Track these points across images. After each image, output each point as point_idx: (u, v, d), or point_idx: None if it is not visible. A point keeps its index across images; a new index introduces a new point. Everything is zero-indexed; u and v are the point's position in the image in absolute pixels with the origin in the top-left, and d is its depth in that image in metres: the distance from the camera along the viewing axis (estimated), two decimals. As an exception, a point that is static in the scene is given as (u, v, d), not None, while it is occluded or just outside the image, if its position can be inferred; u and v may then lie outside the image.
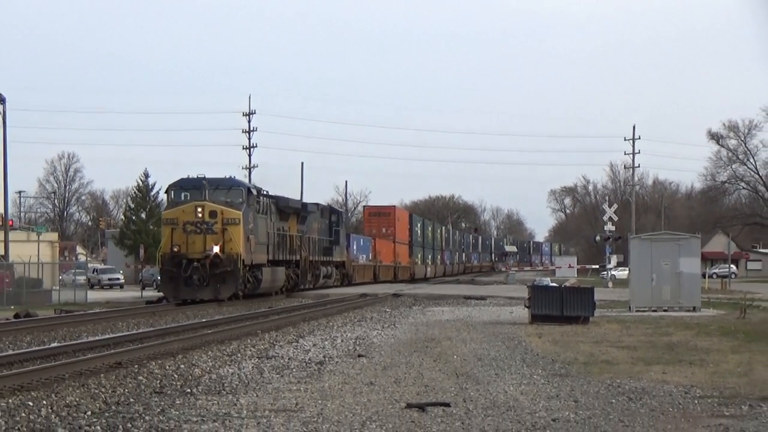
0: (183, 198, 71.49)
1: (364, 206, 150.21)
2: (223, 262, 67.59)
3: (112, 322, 49.73)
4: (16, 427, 18.17)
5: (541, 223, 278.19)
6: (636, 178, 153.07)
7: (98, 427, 18.26)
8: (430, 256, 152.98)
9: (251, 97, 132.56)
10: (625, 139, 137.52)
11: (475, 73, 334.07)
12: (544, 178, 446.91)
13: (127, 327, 44.69)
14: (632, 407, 20.99)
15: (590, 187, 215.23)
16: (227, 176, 76.14)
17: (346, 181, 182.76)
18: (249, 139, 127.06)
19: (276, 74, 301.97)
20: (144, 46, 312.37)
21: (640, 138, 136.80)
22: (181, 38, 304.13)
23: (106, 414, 19.85)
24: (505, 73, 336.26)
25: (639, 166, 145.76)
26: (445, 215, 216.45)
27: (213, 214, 68.98)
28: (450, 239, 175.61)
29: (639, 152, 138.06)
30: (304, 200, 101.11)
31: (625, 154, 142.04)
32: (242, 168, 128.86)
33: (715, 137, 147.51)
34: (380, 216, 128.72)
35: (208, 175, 73.89)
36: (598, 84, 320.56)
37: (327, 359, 30.40)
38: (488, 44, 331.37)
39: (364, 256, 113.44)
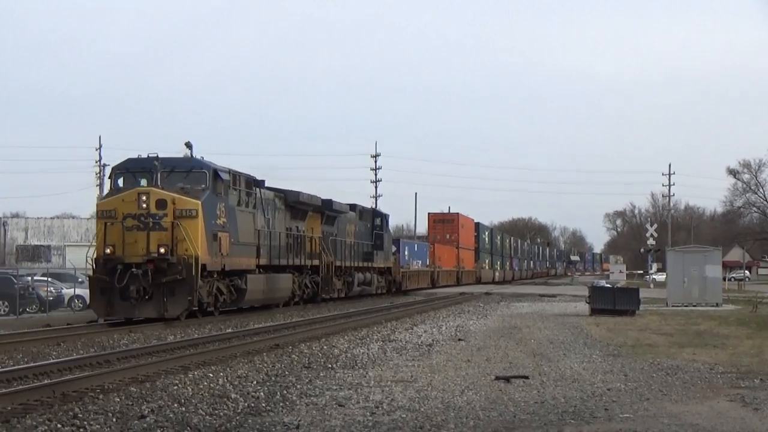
0: (129, 185, 40.78)
1: (428, 213, 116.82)
2: (172, 267, 38.27)
3: (270, 313, 47.44)
4: (200, 393, 18.28)
5: (598, 238, 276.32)
6: (671, 204, 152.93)
7: (261, 393, 18.34)
8: (498, 262, 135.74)
9: (377, 142, 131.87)
10: (662, 174, 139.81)
11: (555, 124, 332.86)
12: (601, 204, 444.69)
13: (284, 317, 44.57)
14: (669, 380, 20.77)
15: (636, 211, 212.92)
16: (187, 155, 43.13)
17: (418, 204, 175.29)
18: (375, 174, 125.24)
19: (396, 127, 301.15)
20: (306, 109, 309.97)
21: (674, 173, 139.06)
22: (332, 99, 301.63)
23: (268, 383, 19.95)
24: (573, 122, 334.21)
25: (674, 195, 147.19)
26: (524, 233, 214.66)
27: (161, 203, 38.94)
28: (519, 248, 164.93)
29: (674, 184, 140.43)
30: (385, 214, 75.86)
31: (663, 185, 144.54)
32: (370, 197, 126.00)
33: (732, 172, 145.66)
34: (444, 222, 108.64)
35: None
36: (643, 129, 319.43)
37: (435, 342, 30.33)
38: (559, 101, 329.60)
39: (419, 262, 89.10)
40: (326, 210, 58.66)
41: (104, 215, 39.26)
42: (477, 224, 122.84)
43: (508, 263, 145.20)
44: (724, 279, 69.46)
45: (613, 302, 45.32)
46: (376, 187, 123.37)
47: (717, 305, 53.75)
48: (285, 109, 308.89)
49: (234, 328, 36.43)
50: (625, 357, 25.81)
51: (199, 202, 38.72)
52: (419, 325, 38.55)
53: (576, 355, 26.42)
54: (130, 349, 27.02)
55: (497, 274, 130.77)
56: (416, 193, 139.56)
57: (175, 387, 19.17)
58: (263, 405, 16.97)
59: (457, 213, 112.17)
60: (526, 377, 20.82)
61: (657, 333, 34.30)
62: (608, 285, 59.50)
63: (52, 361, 23.45)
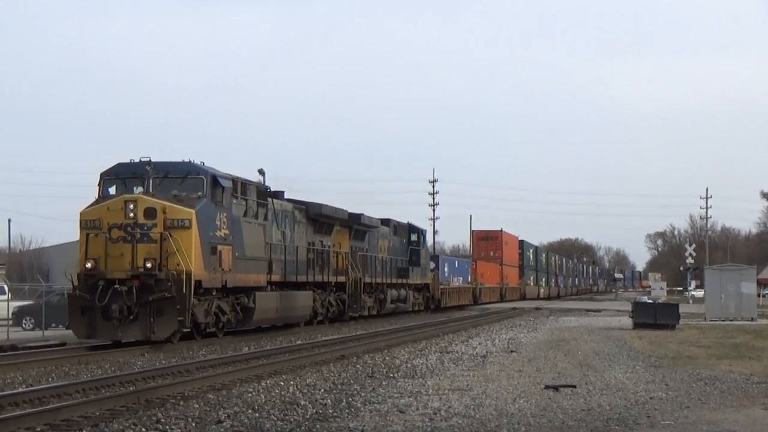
0: (120, 192, 34.12)
1: (472, 230, 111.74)
2: (160, 284, 31.84)
3: (337, 327, 46.88)
4: (272, 400, 18.33)
5: (640, 257, 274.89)
6: (708, 225, 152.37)
7: (328, 400, 18.34)
8: (543, 279, 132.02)
9: (434, 169, 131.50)
10: (700, 197, 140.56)
11: (600, 150, 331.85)
12: (643, 225, 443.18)
13: (349, 330, 44.58)
14: (707, 389, 20.56)
15: (675, 232, 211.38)
16: (186, 160, 35.11)
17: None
18: (433, 198, 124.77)
19: (453, 152, 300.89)
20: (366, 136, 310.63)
21: (711, 196, 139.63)
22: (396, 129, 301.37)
23: (334, 391, 19.94)
24: (617, 148, 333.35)
25: (711, 217, 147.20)
26: (571, 252, 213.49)
27: (150, 212, 32.54)
28: (564, 266, 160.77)
29: (711, 207, 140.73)
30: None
31: (700, 208, 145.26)
32: (428, 219, 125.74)
33: (766, 196, 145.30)
34: (488, 240, 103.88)
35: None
36: (682, 155, 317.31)
37: (488, 353, 30.22)
38: (605, 129, 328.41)
39: (460, 278, 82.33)
40: (354, 224, 50.98)
41: (87, 225, 32.03)
42: (521, 242, 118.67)
43: (553, 280, 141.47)
44: (759, 295, 68.48)
45: (655, 317, 45.00)
46: (434, 210, 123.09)
47: (752, 320, 53.23)
48: (348, 135, 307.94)
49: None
50: (666, 368, 25.57)
51: (194, 211, 31.59)
52: (474, 338, 38.39)
53: (620, 365, 26.22)
54: (208, 359, 27.11)
55: (542, 290, 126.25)
56: (471, 215, 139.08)
57: (250, 394, 19.25)
58: (330, 411, 16.96)
59: (501, 230, 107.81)
60: (574, 386, 20.68)
61: (696, 345, 33.98)
62: (650, 301, 59.11)
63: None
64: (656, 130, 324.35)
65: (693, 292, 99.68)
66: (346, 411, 17.03)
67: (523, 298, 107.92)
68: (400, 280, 59.48)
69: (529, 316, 63.22)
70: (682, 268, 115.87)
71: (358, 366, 25.77)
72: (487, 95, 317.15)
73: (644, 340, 36.63)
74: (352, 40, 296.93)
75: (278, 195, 41.90)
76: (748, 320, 52.80)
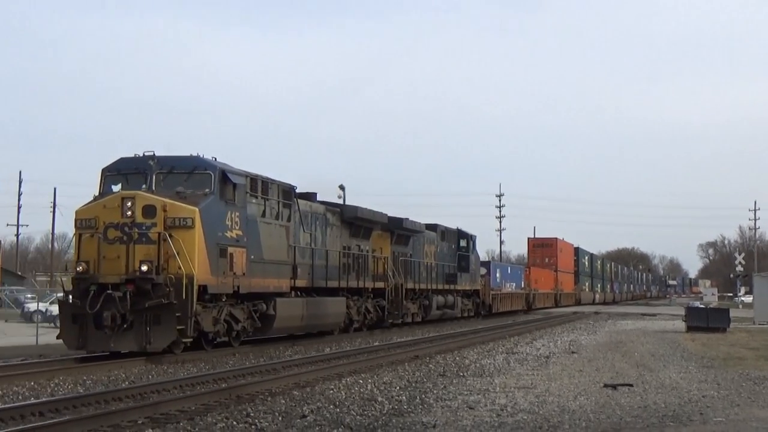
0: (121, 189, 28.78)
1: (528, 238, 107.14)
2: (157, 289, 26.63)
3: (409, 329, 45.63)
4: (352, 396, 18.37)
5: (693, 265, 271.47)
6: (757, 235, 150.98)
7: (403, 397, 18.39)
8: (599, 285, 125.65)
9: (501, 184, 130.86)
10: (749, 210, 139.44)
11: (658, 165, 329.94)
12: (695, 235, 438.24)
13: (422, 332, 44.46)
14: (756, 389, 20.36)
15: (725, 242, 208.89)
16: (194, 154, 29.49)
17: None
18: (500, 210, 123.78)
19: (518, 167, 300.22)
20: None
21: (759, 208, 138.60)
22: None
23: (409, 389, 19.98)
24: (673, 163, 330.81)
25: (759, 227, 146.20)
26: (628, 260, 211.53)
27: (149, 210, 27.42)
28: (619, 273, 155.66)
29: (759, 218, 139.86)
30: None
31: (749, 219, 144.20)
32: (495, 230, 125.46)
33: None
34: (543, 247, 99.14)
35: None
36: (732, 169, 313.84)
37: (551, 354, 30.08)
38: (659, 146, 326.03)
39: (513, 284, 75.12)
40: (396, 228, 44.56)
41: (83, 225, 26.85)
42: (576, 249, 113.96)
43: (608, 286, 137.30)
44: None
45: (707, 321, 44.62)
46: (500, 221, 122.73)
47: (800, 324, 52.41)
48: (422, 151, 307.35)
49: (232, 366, 24.77)
50: (718, 368, 25.34)
51: (197, 209, 26.09)
52: (537, 340, 38.21)
53: (674, 366, 26.01)
54: (293, 359, 27.12)
55: (597, 296, 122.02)
56: (534, 227, 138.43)
57: (331, 391, 19.32)
58: (405, 407, 17.01)
59: (556, 238, 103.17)
60: (631, 385, 20.56)
61: (745, 348, 33.57)
62: (702, 306, 58.50)
63: (228, 369, 23.81)
64: (708, 148, 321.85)
65: (742, 298, 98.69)
66: (420, 407, 17.08)
67: (578, 303, 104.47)
68: (447, 286, 53.15)
69: (588, 320, 62.74)
70: (732, 275, 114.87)
71: (430, 365, 25.76)
72: (551, 114, 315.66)
73: (697, 342, 36.29)
74: (416, 68, 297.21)
75: (310, 197, 36.74)
76: (796, 324, 52.02)
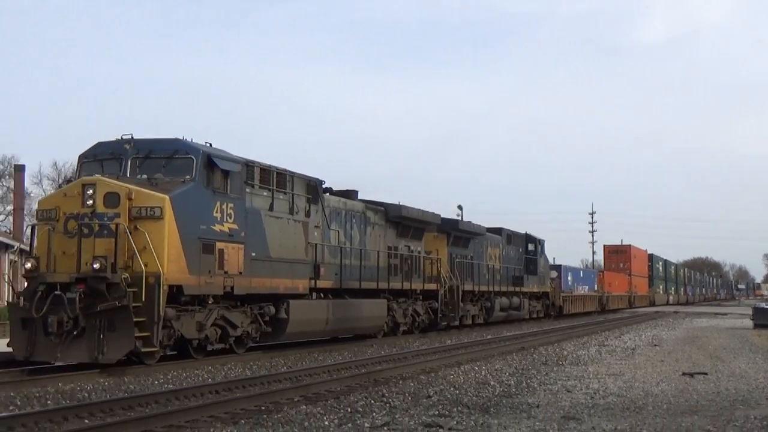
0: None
1: (603, 245, 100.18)
2: (114, 289, 18.41)
3: (516, 325, 45.67)
4: (469, 380, 18.56)
5: (759, 272, 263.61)
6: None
7: (512, 381, 18.46)
8: (672, 288, 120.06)
9: (593, 203, 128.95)
10: None
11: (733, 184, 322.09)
12: (762, 246, 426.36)
13: (528, 326, 44.28)
14: (816, 378, 19.96)
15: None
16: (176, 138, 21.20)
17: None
18: (592, 226, 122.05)
19: (609, 184, 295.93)
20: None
21: None
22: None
23: (516, 374, 20.02)
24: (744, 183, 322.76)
25: None
26: (702, 268, 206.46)
27: (112, 199, 19.13)
28: (692, 277, 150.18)
29: None
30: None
31: None
32: (589, 242, 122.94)
33: None
34: (617, 253, 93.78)
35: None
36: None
37: (636, 347, 29.77)
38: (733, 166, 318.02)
39: (586, 287, 68.93)
40: (453, 230, 38.36)
41: (43, 217, 19.91)
42: (650, 255, 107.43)
43: (682, 289, 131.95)
44: None
45: (772, 318, 43.72)
46: (593, 235, 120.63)
47: None
48: (526, 175, 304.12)
49: (370, 355, 24.08)
50: (782, 360, 24.89)
51: (167, 197, 19.21)
52: (625, 335, 37.79)
53: (743, 357, 25.53)
54: (420, 349, 27.08)
55: (671, 297, 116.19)
56: (621, 240, 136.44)
57: (451, 376, 19.44)
58: (513, 390, 17.07)
59: (629, 245, 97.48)
60: (706, 373, 20.29)
61: (806, 342, 32.86)
62: (766, 305, 57.13)
63: (367, 357, 24.06)
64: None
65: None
66: (526, 390, 17.15)
67: (652, 304, 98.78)
68: (514, 288, 46.72)
69: (668, 318, 61.60)
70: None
71: (534, 355, 25.71)
72: (647, 148, 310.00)
73: (763, 337, 35.49)
74: (523, 109, 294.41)
75: (349, 194, 29.76)
76: None
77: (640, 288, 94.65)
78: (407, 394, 16.06)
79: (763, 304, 71.19)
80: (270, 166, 23.51)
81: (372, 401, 15.10)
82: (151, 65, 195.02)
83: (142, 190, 19.29)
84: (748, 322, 46.49)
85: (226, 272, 21.01)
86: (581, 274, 68.95)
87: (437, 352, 25.86)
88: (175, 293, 19.44)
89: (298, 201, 24.68)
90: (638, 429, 12.52)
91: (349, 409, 14.10)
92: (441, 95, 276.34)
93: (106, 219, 18.96)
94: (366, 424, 12.68)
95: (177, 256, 19.40)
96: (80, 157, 21.73)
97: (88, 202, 19.11)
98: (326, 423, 12.76)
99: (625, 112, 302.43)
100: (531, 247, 51.36)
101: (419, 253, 34.03)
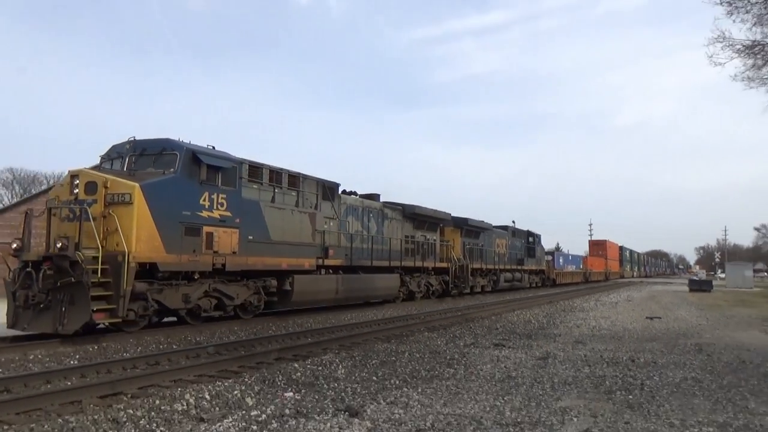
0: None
1: (588, 240, 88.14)
2: (75, 267, 10.82)
3: (532, 290, 42.81)
4: (519, 319, 17.99)
5: (692, 258, 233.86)
6: (727, 242, 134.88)
7: (544, 321, 17.87)
8: (636, 267, 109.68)
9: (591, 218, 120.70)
10: (721, 230, 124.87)
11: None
12: (694, 242, 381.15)
13: (540, 291, 42.51)
14: (728, 321, 18.64)
15: (709, 246, 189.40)
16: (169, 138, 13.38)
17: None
18: (590, 228, 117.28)
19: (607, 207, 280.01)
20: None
21: (728, 230, 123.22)
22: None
23: (546, 317, 19.29)
24: None
25: (727, 239, 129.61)
26: (657, 256, 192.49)
27: (91, 187, 11.80)
28: (649, 261, 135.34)
29: (727, 235, 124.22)
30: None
31: (722, 233, 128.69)
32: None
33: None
34: (597, 245, 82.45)
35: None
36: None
37: (617, 302, 28.33)
38: None
39: (573, 266, 60.05)
40: (464, 225, 31.41)
41: (50, 204, 13.34)
42: (621, 247, 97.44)
43: (643, 268, 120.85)
44: (754, 277, 60.78)
45: (700, 285, 41.00)
46: (591, 236, 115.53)
47: (750, 288, 47.30)
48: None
49: (465, 304, 22.65)
50: (707, 310, 23.27)
51: (137, 185, 12.79)
52: (611, 295, 35.90)
53: (683, 309, 24.05)
54: (492, 302, 26.03)
55: (635, 273, 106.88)
56: (605, 237, 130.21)
57: (509, 316, 18.98)
58: (545, 325, 16.58)
59: (606, 240, 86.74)
60: (660, 317, 19.31)
61: (722, 300, 30.64)
62: (697, 278, 53.76)
63: (462, 305, 23.43)
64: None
65: (719, 275, 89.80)
66: (552, 325, 16.66)
67: (622, 277, 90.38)
68: (517, 267, 39.91)
69: (637, 285, 58.62)
70: (713, 263, 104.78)
71: (557, 305, 24.87)
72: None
73: (694, 296, 33.43)
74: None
75: (372, 197, 23.47)
76: (748, 288, 47.00)
77: (613, 267, 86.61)
78: (484, 327, 15.79)
79: (694, 277, 67.52)
80: (264, 165, 16.36)
81: (464, 330, 14.89)
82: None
83: (117, 179, 13.13)
84: (685, 288, 43.87)
85: (216, 252, 14.34)
86: (570, 258, 61.14)
87: (501, 304, 24.85)
88: (149, 269, 13.12)
89: (308, 197, 18.16)
90: (620, 349, 11.97)
91: (451, 335, 13.92)
92: (499, 158, 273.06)
93: (85, 204, 12.92)
94: (461, 343, 12.54)
95: (149, 237, 12.98)
96: (102, 157, 15.23)
97: (74, 191, 13.40)
98: (439, 342, 12.66)
99: (612, 165, 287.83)
100: (531, 239, 45.32)
101: (434, 240, 27.46)
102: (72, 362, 9.63)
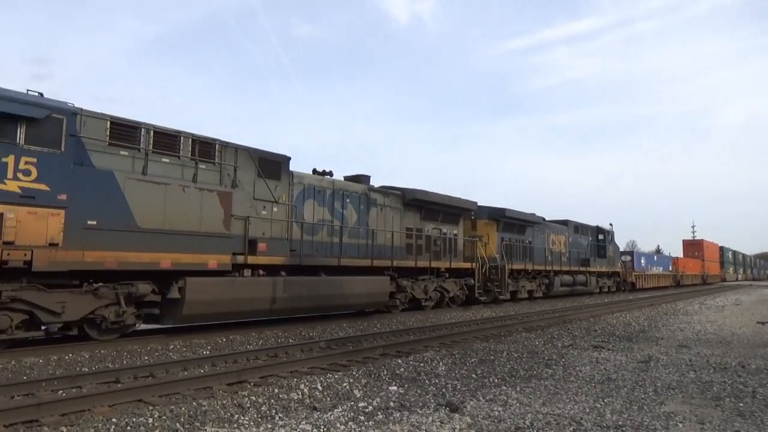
0: None
1: (682, 240, 77.80)
2: None
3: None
4: (618, 322, 17.44)
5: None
6: None
7: (645, 324, 17.18)
8: (741, 270, 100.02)
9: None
10: None
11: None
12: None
13: (635, 295, 40.66)
14: None
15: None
16: None
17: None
18: (692, 230, 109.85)
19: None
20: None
21: None
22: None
23: (648, 320, 18.56)
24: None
25: None
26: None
27: None
28: (757, 263, 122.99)
29: None
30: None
31: None
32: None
33: None
34: (692, 245, 74.81)
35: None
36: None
37: (724, 306, 26.70)
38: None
39: (660, 268, 52.04)
40: (501, 217, 24.30)
41: None
42: (721, 247, 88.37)
43: (748, 270, 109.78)
44: None
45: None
46: (693, 237, 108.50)
47: None
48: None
49: (562, 306, 21.96)
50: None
51: None
52: (717, 298, 33.90)
53: (799, 314, 22.47)
54: (588, 303, 25.24)
55: (739, 276, 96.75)
56: (699, 236, 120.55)
57: (608, 318, 18.43)
58: (646, 328, 15.97)
59: (702, 239, 78.73)
60: (773, 323, 18.13)
61: None
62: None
63: (559, 307, 23.01)
64: None
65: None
66: (654, 329, 16.01)
67: (723, 281, 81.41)
68: (581, 268, 31.54)
69: (745, 289, 54.85)
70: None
71: (659, 309, 23.77)
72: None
73: (813, 302, 30.89)
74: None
75: (359, 179, 17.38)
76: None
77: (712, 269, 78.74)
78: (582, 329, 15.46)
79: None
80: (143, 124, 11.28)
81: (562, 332, 14.66)
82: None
83: None
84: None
85: (10, 243, 9.22)
86: (655, 258, 53.70)
87: (594, 307, 24.09)
88: None
89: (229, 171, 12.74)
90: (728, 354, 11.41)
91: (549, 336, 13.77)
92: (593, 163, 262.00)
93: None
94: (559, 344, 12.40)
95: None
96: None
97: None
98: (536, 343, 12.59)
99: (715, 165, 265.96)
100: (601, 237, 37.78)
101: (454, 235, 20.59)
102: (205, 352, 10.22)
